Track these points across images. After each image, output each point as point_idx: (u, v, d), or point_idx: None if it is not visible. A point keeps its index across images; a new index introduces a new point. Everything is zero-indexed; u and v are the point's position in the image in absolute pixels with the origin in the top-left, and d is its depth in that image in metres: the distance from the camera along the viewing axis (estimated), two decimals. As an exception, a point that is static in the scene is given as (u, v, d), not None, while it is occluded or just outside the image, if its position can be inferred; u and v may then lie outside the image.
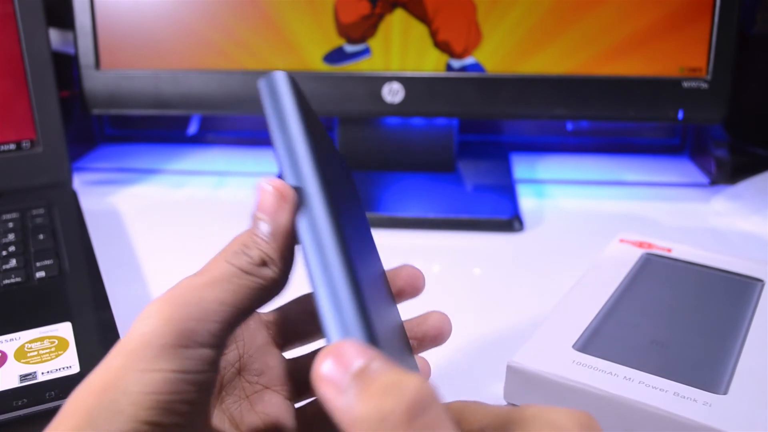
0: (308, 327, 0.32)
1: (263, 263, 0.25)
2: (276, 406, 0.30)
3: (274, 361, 0.31)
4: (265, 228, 0.25)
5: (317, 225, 0.23)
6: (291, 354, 0.32)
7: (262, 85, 0.27)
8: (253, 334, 0.30)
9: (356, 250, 0.24)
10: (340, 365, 0.19)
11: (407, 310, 0.33)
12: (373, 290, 0.25)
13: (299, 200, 0.24)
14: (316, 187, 0.24)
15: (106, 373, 0.22)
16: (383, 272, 0.32)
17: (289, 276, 0.26)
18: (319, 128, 0.29)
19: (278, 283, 0.25)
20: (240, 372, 0.30)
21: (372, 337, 0.21)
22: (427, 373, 0.32)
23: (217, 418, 0.28)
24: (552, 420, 0.20)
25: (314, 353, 0.31)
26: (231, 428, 0.29)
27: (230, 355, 0.30)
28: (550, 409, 0.21)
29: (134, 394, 0.21)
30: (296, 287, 0.30)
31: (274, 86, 0.27)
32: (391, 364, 0.19)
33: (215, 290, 0.24)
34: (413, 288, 0.32)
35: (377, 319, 0.23)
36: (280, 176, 0.26)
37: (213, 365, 0.23)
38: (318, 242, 0.23)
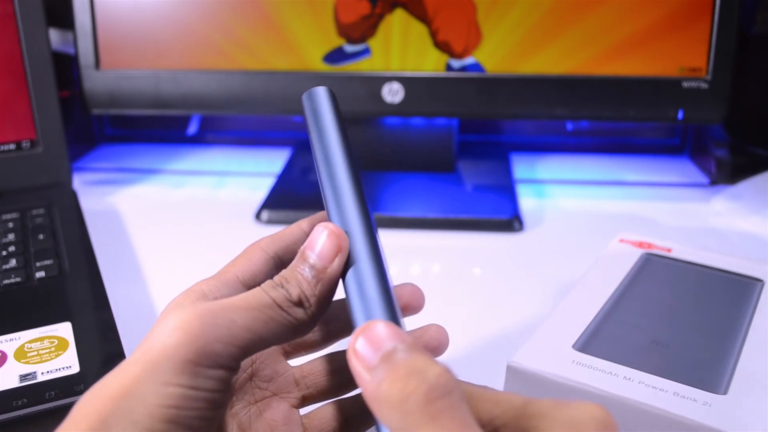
0: (314, 337, 0.32)
1: (299, 303, 0.25)
2: (283, 413, 0.30)
3: (282, 368, 0.31)
4: (310, 270, 0.25)
5: (365, 279, 0.24)
6: (295, 362, 0.33)
7: (304, 98, 0.30)
8: None
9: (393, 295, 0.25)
10: (372, 344, 0.20)
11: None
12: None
13: (350, 247, 0.25)
14: (364, 243, 0.25)
15: (123, 380, 0.22)
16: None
17: (317, 322, 0.26)
18: (352, 153, 0.30)
19: (307, 326, 0.25)
20: (251, 377, 0.30)
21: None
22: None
23: (226, 423, 0.29)
24: (570, 419, 0.20)
25: (319, 361, 0.32)
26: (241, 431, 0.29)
27: (244, 361, 0.30)
28: (566, 405, 0.20)
29: (151, 406, 0.22)
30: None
31: (315, 104, 0.30)
32: (418, 350, 0.20)
33: (246, 317, 0.24)
34: (415, 306, 0.33)
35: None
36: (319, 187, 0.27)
37: (228, 385, 0.24)
38: (366, 297, 0.24)
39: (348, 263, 0.25)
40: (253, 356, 0.30)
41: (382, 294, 0.24)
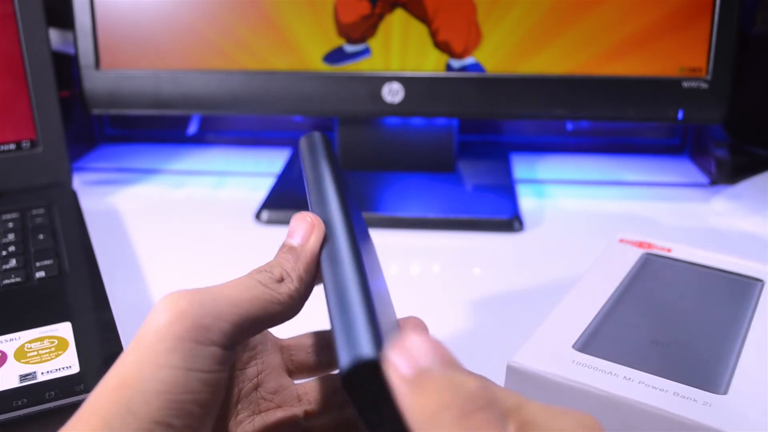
0: (318, 359, 0.33)
1: (281, 279, 0.26)
2: (286, 425, 0.30)
3: (287, 383, 0.32)
4: (290, 249, 0.27)
5: (339, 251, 0.26)
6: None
7: (302, 142, 0.33)
8: (271, 355, 0.32)
9: (370, 277, 0.26)
10: (409, 357, 0.20)
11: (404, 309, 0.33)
12: (381, 307, 0.26)
13: (327, 233, 0.27)
14: (341, 223, 0.27)
15: (121, 368, 0.23)
16: (389, 300, 0.34)
17: (303, 300, 0.27)
18: (345, 184, 0.33)
19: (291, 303, 0.27)
20: (257, 387, 0.31)
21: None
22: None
23: (233, 429, 0.29)
24: (557, 429, 0.20)
25: (322, 378, 0.33)
26: None
27: (250, 370, 0.31)
28: (554, 414, 0.20)
29: (148, 393, 0.22)
30: (310, 322, 0.33)
31: (312, 143, 0.33)
32: (455, 363, 0.20)
33: (231, 294, 0.25)
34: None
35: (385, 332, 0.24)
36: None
37: (223, 366, 0.24)
38: (338, 265, 0.25)
39: (327, 249, 0.27)
40: (260, 367, 0.31)
41: (357, 273, 0.24)
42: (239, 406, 0.30)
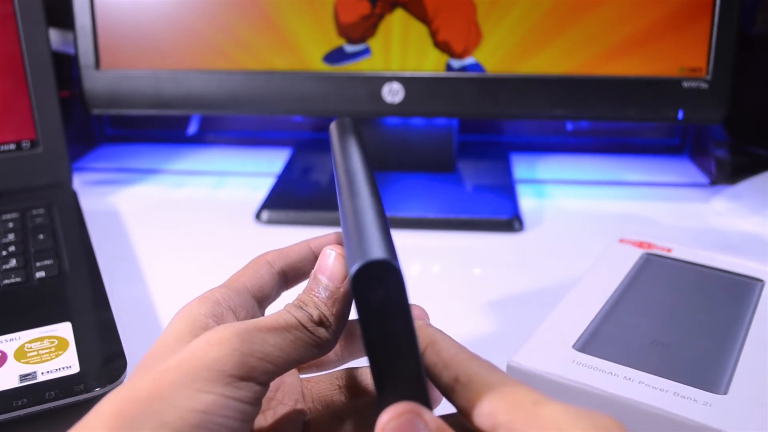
0: (328, 356, 0.33)
1: (320, 323, 0.26)
2: (289, 420, 0.30)
3: (291, 378, 0.32)
4: (324, 291, 0.27)
5: (361, 195, 0.26)
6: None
7: (332, 127, 0.33)
8: None
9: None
10: (401, 427, 0.22)
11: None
12: None
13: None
14: (369, 200, 0.26)
15: (156, 384, 0.23)
16: None
17: (338, 338, 0.27)
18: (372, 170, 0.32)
19: (330, 343, 0.27)
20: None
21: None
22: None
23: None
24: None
25: (326, 377, 0.33)
26: None
27: None
28: (574, 416, 0.20)
29: (183, 409, 0.22)
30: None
31: (343, 127, 0.33)
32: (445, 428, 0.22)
33: (277, 337, 0.25)
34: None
35: None
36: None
37: (259, 401, 0.25)
38: (357, 197, 0.25)
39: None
40: None
41: (374, 203, 0.25)
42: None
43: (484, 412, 0.22)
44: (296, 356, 0.26)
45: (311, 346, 0.26)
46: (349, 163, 0.30)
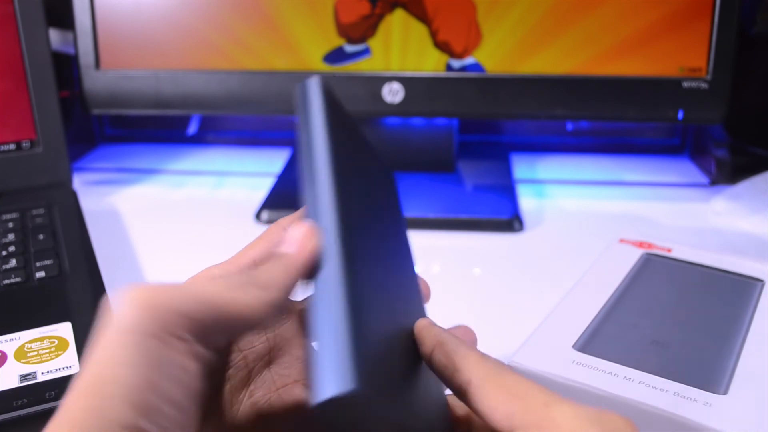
0: None
1: (266, 287, 0.24)
2: (304, 400, 0.29)
3: (303, 353, 0.30)
4: (281, 257, 0.25)
5: (326, 257, 0.23)
6: None
7: (296, 91, 0.26)
8: (283, 328, 0.30)
9: (367, 276, 0.24)
10: None
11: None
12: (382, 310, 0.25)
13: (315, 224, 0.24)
14: (331, 214, 0.24)
15: (91, 369, 0.21)
16: (413, 275, 0.32)
17: (284, 311, 0.26)
18: (352, 133, 0.28)
19: (271, 313, 0.24)
20: (269, 365, 0.30)
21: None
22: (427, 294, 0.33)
23: (247, 412, 0.28)
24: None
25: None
26: (261, 421, 0.28)
27: (260, 347, 0.29)
28: (585, 416, 0.20)
29: (115, 397, 0.20)
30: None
31: (305, 96, 0.26)
32: None
33: (205, 291, 0.23)
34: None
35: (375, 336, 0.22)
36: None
37: (197, 364, 0.22)
38: (323, 281, 0.22)
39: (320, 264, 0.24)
40: (271, 343, 0.29)
41: (346, 299, 0.22)
42: (252, 387, 0.29)
43: (499, 416, 0.22)
44: (229, 315, 0.23)
45: (249, 307, 0.23)
46: (312, 152, 0.25)
